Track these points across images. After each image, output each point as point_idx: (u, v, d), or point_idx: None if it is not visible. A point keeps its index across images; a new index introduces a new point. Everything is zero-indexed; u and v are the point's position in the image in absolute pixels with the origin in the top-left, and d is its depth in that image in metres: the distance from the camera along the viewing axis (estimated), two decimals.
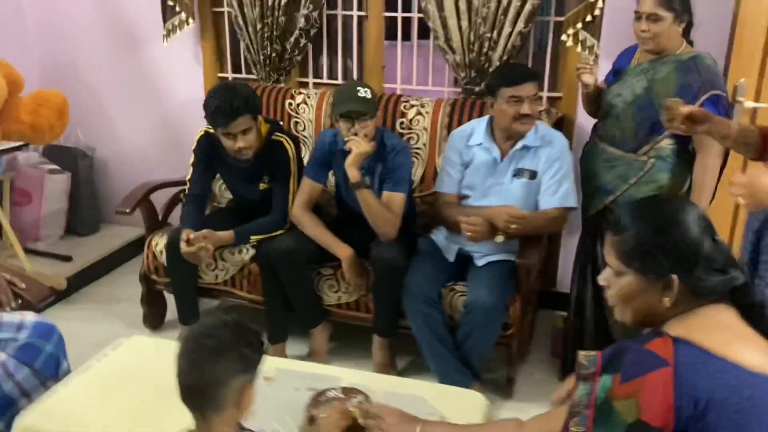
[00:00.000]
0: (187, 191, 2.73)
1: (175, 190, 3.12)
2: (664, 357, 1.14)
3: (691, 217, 1.23)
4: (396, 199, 2.48)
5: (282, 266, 2.53)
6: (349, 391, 1.65)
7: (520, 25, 2.85)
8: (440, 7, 2.93)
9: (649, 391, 1.12)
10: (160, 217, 2.98)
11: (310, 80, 3.36)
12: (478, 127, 2.55)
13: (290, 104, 3.11)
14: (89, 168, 3.70)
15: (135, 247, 3.74)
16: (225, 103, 2.40)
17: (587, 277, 2.60)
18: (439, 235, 2.63)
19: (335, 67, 3.35)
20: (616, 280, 1.29)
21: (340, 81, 3.32)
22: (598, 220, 2.50)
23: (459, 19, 2.92)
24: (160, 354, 1.93)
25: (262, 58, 3.24)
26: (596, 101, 2.58)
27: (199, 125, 3.45)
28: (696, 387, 1.11)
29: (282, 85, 3.27)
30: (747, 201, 1.63)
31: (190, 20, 3.27)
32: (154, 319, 3.00)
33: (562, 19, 2.88)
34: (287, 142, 2.64)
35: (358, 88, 2.43)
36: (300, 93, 3.13)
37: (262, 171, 2.67)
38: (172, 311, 3.07)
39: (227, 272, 2.74)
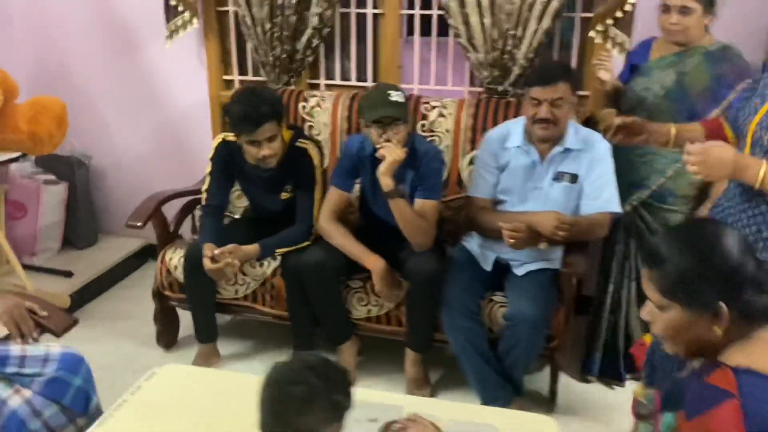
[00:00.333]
0: (204, 202, 2.56)
1: (184, 200, 2.96)
2: (728, 389, 1.08)
3: (730, 240, 1.16)
4: (430, 206, 2.36)
5: (311, 280, 2.39)
6: (415, 420, 1.53)
7: (546, 21, 2.74)
8: (462, 4, 2.81)
9: (719, 425, 1.05)
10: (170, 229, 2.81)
11: (322, 81, 3.22)
12: (514, 128, 2.44)
13: (303, 107, 2.97)
14: (86, 177, 3.52)
15: (137, 259, 3.59)
16: (251, 109, 2.25)
17: (611, 277, 2.56)
18: (472, 243, 2.51)
19: (347, 68, 3.20)
20: (660, 315, 1.21)
21: (353, 83, 3.18)
22: (632, 216, 2.48)
23: (481, 15, 2.80)
24: (199, 384, 1.80)
25: (271, 59, 3.08)
26: (613, 97, 2.53)
27: (203, 130, 3.33)
28: (766, 419, 1.03)
29: (292, 87, 3.12)
30: (700, 171, 1.59)
31: (195, 20, 3.10)
32: (168, 338, 2.84)
33: (589, 15, 2.79)
34: (312, 149, 2.50)
35: (389, 91, 2.28)
36: (313, 95, 2.99)
37: (285, 180, 2.52)
38: (185, 328, 2.92)
39: (248, 287, 2.59)
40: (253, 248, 2.40)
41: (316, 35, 3.02)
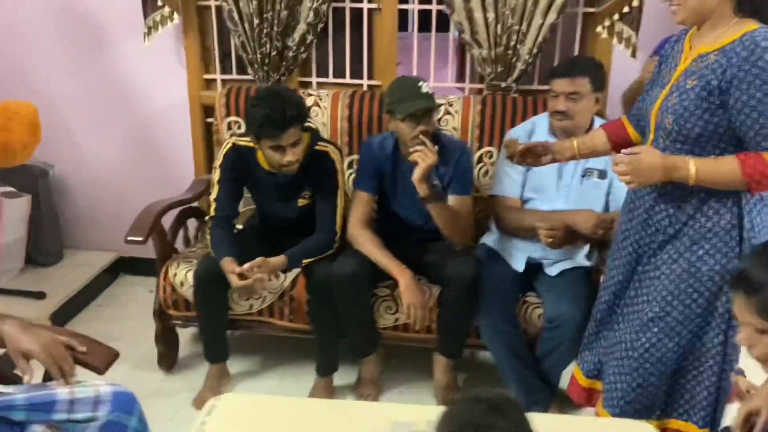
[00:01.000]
0: (212, 213, 2.37)
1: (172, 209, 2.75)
2: None
3: None
4: (466, 203, 2.35)
5: (342, 292, 2.26)
6: None
7: (551, 16, 2.72)
8: None
9: None
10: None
11: (314, 80, 3.06)
12: (540, 123, 2.41)
13: None
14: (48, 188, 3.21)
15: (109, 275, 3.34)
16: (276, 113, 2.09)
17: None
18: (496, 243, 2.45)
19: (340, 65, 3.07)
20: (760, 339, 1.24)
21: (347, 80, 3.05)
22: None
23: (485, 10, 2.75)
24: (269, 414, 1.65)
25: (259, 56, 2.91)
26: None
27: (183, 134, 3.11)
28: None
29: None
30: (632, 180, 1.61)
31: (175, 15, 2.88)
32: (170, 359, 2.64)
33: (591, 10, 2.79)
34: (333, 152, 2.36)
35: (419, 83, 2.21)
36: (309, 95, 2.84)
37: (303, 185, 2.38)
38: (183, 347, 2.72)
39: (264, 301, 2.43)
40: (280, 260, 2.25)
41: (310, 31, 2.87)
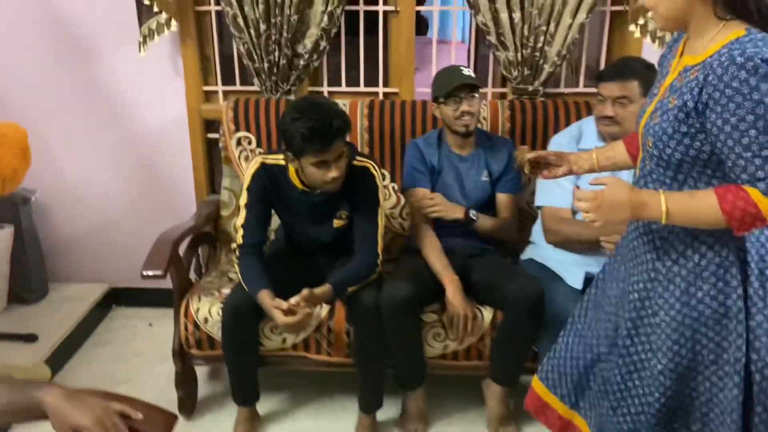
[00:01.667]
0: (241, 241, 2.13)
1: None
2: None
3: None
4: (515, 201, 2.42)
5: (394, 319, 2.07)
6: None
7: (581, 15, 2.58)
8: None
9: None
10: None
11: (325, 89, 2.84)
12: (587, 129, 2.28)
13: None
14: (31, 217, 2.90)
15: (101, 308, 3.05)
16: (323, 125, 1.89)
17: None
18: (547, 258, 2.29)
19: (352, 73, 2.86)
20: None
21: (362, 88, 2.84)
22: None
23: (510, 11, 2.59)
24: None
25: (266, 65, 2.68)
26: None
27: (182, 152, 2.86)
28: None
29: (292, 97, 2.73)
30: (596, 219, 1.42)
31: (173, 22, 2.63)
32: (192, 402, 2.38)
33: (619, 8, 2.67)
34: (373, 167, 2.16)
35: (461, 68, 2.29)
36: None
37: (339, 204, 2.17)
38: (201, 387, 2.47)
39: (299, 334, 2.20)
40: (325, 290, 2.03)
41: (323, 36, 2.65)
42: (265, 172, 2.13)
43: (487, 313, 2.18)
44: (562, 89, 2.82)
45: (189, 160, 2.89)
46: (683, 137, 1.36)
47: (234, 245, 2.16)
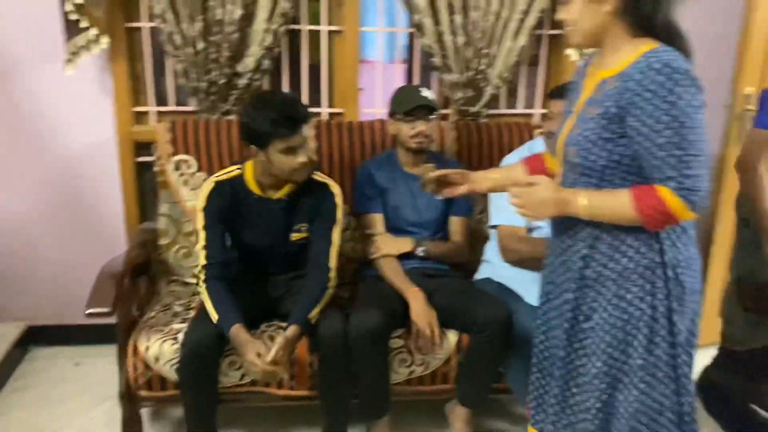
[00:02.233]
0: (205, 261, 2.04)
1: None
2: None
3: None
4: (467, 224, 2.44)
5: (364, 349, 2.01)
6: None
7: (521, 39, 2.66)
8: (437, 21, 2.60)
9: None
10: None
11: None
12: (537, 148, 2.32)
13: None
14: None
15: (19, 349, 2.77)
16: (290, 109, 1.95)
17: None
18: (504, 277, 2.31)
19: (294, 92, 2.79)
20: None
21: None
22: None
23: (454, 34, 2.62)
24: None
25: (205, 84, 2.56)
26: None
27: (110, 176, 2.68)
28: None
29: (231, 117, 2.62)
30: (527, 213, 1.57)
31: (103, 39, 2.45)
32: None
33: (558, 32, 2.77)
34: (333, 185, 2.16)
35: (420, 88, 2.31)
36: None
37: (298, 217, 2.14)
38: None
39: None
40: (295, 331, 1.97)
41: (266, 56, 2.57)
42: (218, 191, 2.08)
43: (452, 336, 2.16)
44: (502, 110, 2.88)
45: (118, 186, 2.70)
46: (606, 143, 1.44)
47: (197, 269, 2.07)
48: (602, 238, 1.53)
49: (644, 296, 1.50)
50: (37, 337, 2.85)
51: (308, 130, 1.99)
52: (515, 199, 1.55)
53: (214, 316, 1.96)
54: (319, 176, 2.15)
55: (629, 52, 1.43)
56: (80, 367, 2.73)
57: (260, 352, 1.89)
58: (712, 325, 2.23)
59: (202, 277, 2.03)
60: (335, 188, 2.14)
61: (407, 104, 2.25)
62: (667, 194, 1.38)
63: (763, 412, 2.30)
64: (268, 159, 1.99)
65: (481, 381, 2.16)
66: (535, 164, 1.82)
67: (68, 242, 2.73)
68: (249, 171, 2.09)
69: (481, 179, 1.82)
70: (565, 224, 1.60)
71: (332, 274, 2.10)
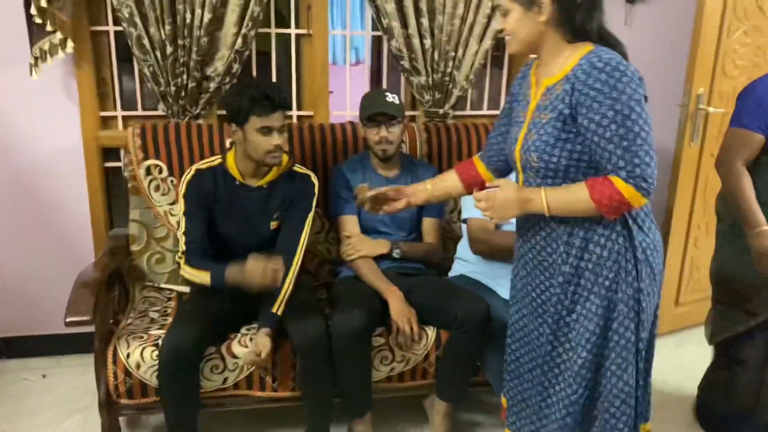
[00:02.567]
0: (185, 246, 2.11)
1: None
2: None
3: None
4: (440, 225, 2.49)
5: (347, 348, 2.04)
6: None
7: (486, 42, 2.73)
8: (405, 25, 2.65)
9: None
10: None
11: None
12: None
13: (232, 144, 2.50)
14: None
15: None
16: (271, 89, 2.05)
17: None
18: (477, 272, 2.38)
19: None
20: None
21: None
22: None
23: (422, 37, 2.68)
24: None
25: (173, 89, 2.54)
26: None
27: (76, 182, 2.64)
28: None
29: (201, 122, 2.61)
30: (493, 216, 1.65)
31: (69, 43, 2.41)
32: None
33: None
34: (314, 178, 2.28)
35: (386, 93, 2.34)
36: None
37: (278, 204, 2.21)
38: None
39: (240, 372, 2.09)
40: (266, 333, 2.04)
41: (237, 59, 2.57)
42: (199, 178, 2.17)
43: (431, 332, 2.21)
44: (468, 112, 2.95)
45: (84, 192, 2.65)
46: (564, 143, 1.54)
47: (178, 254, 2.12)
48: (575, 233, 1.61)
49: (619, 281, 1.59)
50: (1, 349, 2.77)
51: (285, 119, 2.11)
52: (479, 203, 1.63)
53: (206, 280, 2.03)
54: (300, 168, 2.26)
55: (569, 57, 1.53)
56: (48, 379, 2.66)
57: (257, 266, 1.93)
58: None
59: (184, 259, 2.09)
60: (315, 179, 2.27)
61: (368, 110, 2.31)
62: (619, 183, 1.47)
63: None
64: (245, 138, 2.08)
65: (460, 375, 2.21)
66: (467, 172, 1.88)
67: (33, 251, 2.66)
68: (231, 159, 2.18)
69: (416, 192, 1.88)
70: (537, 225, 1.67)
71: (296, 259, 2.16)
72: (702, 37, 2.65)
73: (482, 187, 1.75)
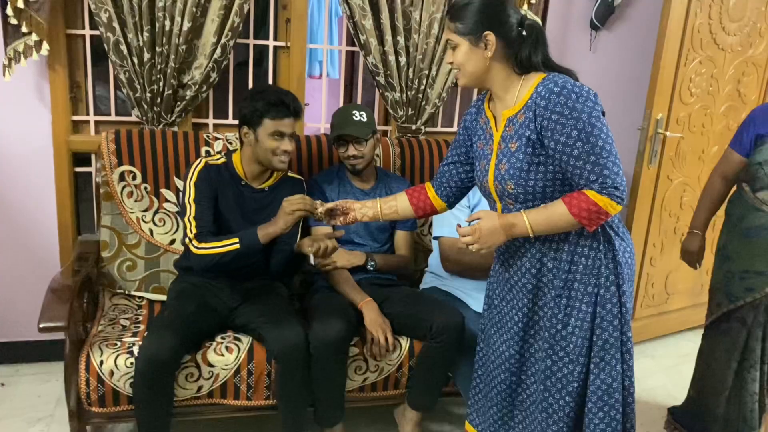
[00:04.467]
0: (194, 231, 2.12)
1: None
2: None
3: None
4: (412, 237, 2.56)
5: (329, 358, 2.06)
6: None
7: None
8: (381, 42, 2.71)
9: None
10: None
11: (210, 121, 2.75)
12: None
13: (208, 153, 2.52)
14: None
15: None
16: (286, 97, 2.14)
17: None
18: (450, 286, 2.44)
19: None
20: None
21: None
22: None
23: (398, 54, 2.75)
24: None
25: (149, 96, 2.53)
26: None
27: (45, 186, 2.60)
28: None
29: (175, 129, 2.61)
30: (481, 247, 1.67)
31: (44, 45, 2.38)
32: None
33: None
34: (304, 182, 2.39)
35: (354, 111, 2.37)
36: (216, 138, 2.56)
37: (277, 206, 2.15)
38: None
39: (215, 380, 2.09)
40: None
41: (215, 69, 2.58)
42: (208, 169, 2.21)
43: (404, 342, 2.25)
44: (440, 129, 3.03)
45: (52, 197, 2.61)
46: (538, 167, 1.62)
47: (188, 237, 2.11)
48: (561, 248, 1.68)
49: (610, 286, 1.67)
50: None
51: (295, 127, 2.18)
52: (466, 238, 1.67)
53: (233, 247, 2.06)
54: (293, 174, 2.39)
55: (524, 87, 1.62)
56: (7, 387, 2.59)
57: (295, 197, 2.02)
58: None
59: (195, 242, 2.10)
60: (305, 184, 2.39)
61: (335, 130, 2.37)
62: (594, 195, 1.55)
63: None
64: (257, 139, 2.15)
65: (432, 385, 2.26)
66: (418, 197, 1.92)
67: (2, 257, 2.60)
68: (237, 160, 2.25)
69: (364, 208, 1.92)
70: (521, 250, 1.73)
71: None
72: (662, 62, 2.80)
73: (430, 212, 1.90)
